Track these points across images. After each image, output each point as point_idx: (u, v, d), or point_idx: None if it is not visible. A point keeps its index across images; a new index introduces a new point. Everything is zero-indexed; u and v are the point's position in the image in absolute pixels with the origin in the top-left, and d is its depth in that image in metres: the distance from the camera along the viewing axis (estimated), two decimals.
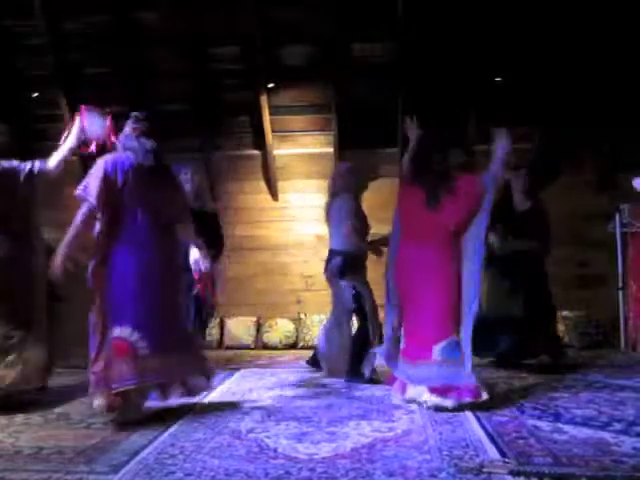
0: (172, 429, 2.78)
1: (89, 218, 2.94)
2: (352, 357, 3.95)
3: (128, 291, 2.90)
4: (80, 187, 2.95)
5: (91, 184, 2.92)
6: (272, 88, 5.64)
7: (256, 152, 6.06)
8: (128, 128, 3.12)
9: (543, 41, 5.10)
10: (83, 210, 2.93)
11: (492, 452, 2.40)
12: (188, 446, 2.51)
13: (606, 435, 2.61)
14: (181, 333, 3.12)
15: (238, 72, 5.60)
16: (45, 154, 3.48)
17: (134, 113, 3.17)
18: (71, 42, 5.43)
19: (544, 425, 2.78)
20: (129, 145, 3.05)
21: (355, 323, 4.14)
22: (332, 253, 4.13)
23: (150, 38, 5.43)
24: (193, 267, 3.27)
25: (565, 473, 2.14)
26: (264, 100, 5.62)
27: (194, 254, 3.24)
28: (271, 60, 5.50)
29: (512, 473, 2.13)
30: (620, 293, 5.43)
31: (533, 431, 2.69)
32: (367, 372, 3.89)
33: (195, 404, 3.29)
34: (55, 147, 3.45)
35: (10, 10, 5.21)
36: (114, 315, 2.87)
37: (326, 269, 4.18)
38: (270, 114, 5.74)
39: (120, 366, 2.82)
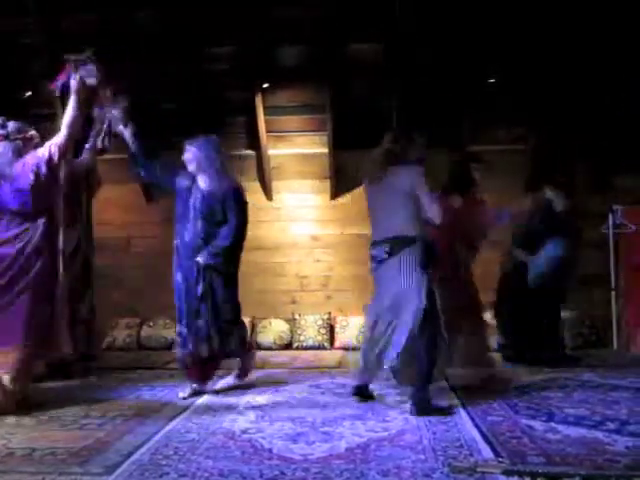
0: (166, 429, 2.78)
1: None
2: (424, 368, 3.12)
3: None
4: None
5: None
6: (267, 88, 5.63)
7: (251, 152, 6.05)
8: None
9: (538, 42, 5.11)
10: None
11: (486, 452, 2.41)
12: (182, 447, 2.51)
13: (599, 434, 2.63)
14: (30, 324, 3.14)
15: (233, 72, 5.58)
16: None
17: None
18: (66, 41, 5.39)
19: (538, 425, 2.80)
20: None
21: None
22: (400, 241, 3.19)
23: (146, 37, 5.41)
24: None
25: (558, 472, 2.15)
26: (259, 100, 5.60)
27: None
28: (266, 60, 5.49)
29: (506, 473, 2.14)
30: (613, 293, 5.48)
31: (527, 431, 2.70)
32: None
33: (189, 404, 3.29)
34: None
35: (4, 8, 5.17)
36: None
37: (383, 259, 3.25)
38: (265, 114, 5.73)
39: None
